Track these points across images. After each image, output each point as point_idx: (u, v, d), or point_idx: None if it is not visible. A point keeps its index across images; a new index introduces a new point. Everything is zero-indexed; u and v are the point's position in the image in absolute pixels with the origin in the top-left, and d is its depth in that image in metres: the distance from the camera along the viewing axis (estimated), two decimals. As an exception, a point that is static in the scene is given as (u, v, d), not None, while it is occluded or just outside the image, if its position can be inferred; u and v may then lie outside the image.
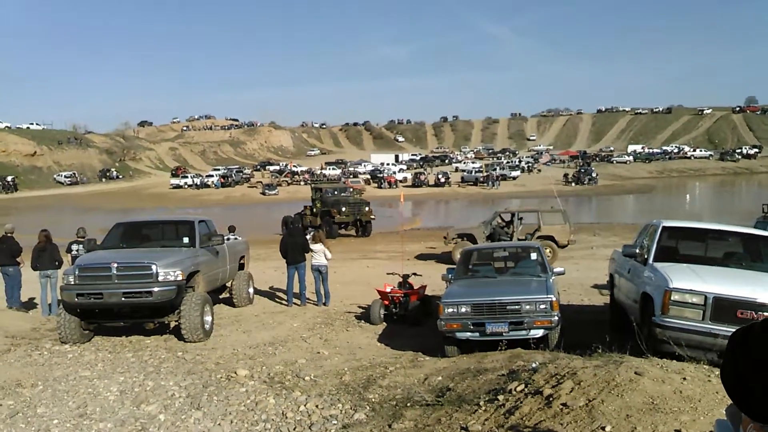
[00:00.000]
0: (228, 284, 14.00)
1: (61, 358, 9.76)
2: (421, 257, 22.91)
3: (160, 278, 10.24)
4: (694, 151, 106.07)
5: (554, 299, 8.80)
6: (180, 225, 12.72)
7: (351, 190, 35.27)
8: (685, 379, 5.29)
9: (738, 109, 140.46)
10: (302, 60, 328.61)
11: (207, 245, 12.14)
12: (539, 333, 8.70)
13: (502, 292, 9.12)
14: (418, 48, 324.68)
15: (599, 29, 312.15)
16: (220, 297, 14.19)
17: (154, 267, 10.25)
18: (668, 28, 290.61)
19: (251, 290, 14.51)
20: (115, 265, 10.25)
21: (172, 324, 11.08)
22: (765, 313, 6.62)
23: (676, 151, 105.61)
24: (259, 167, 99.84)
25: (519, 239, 19.96)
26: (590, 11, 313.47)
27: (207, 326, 11.00)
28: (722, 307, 6.74)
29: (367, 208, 31.63)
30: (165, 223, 13.59)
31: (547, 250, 18.87)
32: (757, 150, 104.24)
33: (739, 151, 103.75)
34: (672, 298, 6.93)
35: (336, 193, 32.66)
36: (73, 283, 10.29)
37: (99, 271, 10.37)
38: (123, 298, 10.15)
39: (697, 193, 69.37)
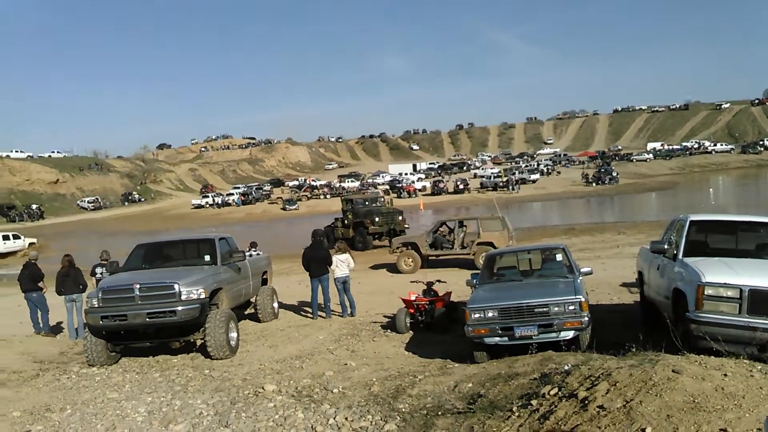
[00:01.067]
0: (252, 300, 13.95)
1: (89, 381, 9.76)
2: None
3: (183, 297, 10.21)
4: (715, 145, 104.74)
5: (583, 299, 8.60)
6: (201, 243, 12.70)
7: (383, 199, 34.48)
8: (726, 375, 5.09)
9: (757, 101, 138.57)
10: (316, 77, 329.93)
11: (229, 262, 12.12)
12: (570, 334, 8.50)
13: (529, 295, 8.94)
14: (430, 59, 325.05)
15: (609, 30, 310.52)
16: (245, 313, 14.15)
17: (176, 286, 10.22)
18: (680, 23, 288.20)
19: (276, 305, 14.46)
20: (138, 286, 10.24)
21: (198, 342, 11.03)
22: None
23: (696, 146, 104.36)
24: (269, 184, 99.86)
25: (461, 246, 21.16)
26: (597, 14, 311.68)
27: (233, 343, 10.94)
28: (760, 300, 6.52)
29: (400, 218, 31.14)
30: (186, 242, 13.58)
31: None
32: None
33: (761, 143, 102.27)
34: (706, 293, 6.72)
35: (368, 203, 32.06)
36: (96, 305, 10.30)
37: (122, 293, 10.36)
38: (147, 319, 10.13)
39: (721, 187, 68.35)
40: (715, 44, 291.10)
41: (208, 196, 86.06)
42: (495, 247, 20.21)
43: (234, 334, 11.10)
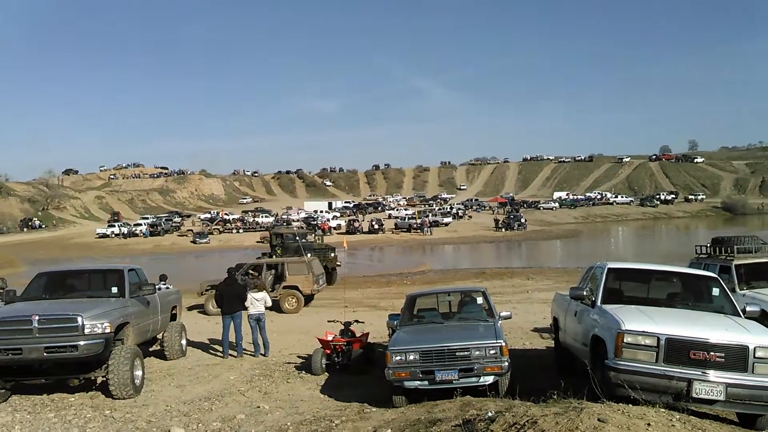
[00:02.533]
0: (159, 336, 13.27)
1: (-27, 422, 8.90)
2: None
3: (87, 331, 9.54)
4: (616, 197, 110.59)
5: (503, 344, 8.62)
6: (108, 274, 12.02)
7: (313, 235, 33.51)
8: (649, 425, 5.14)
9: (654, 157, 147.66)
10: (234, 111, 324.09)
11: (137, 295, 11.49)
12: (490, 379, 8.47)
13: (451, 338, 8.88)
14: (350, 100, 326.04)
15: (523, 83, 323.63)
16: (151, 350, 13.42)
17: (79, 319, 9.55)
18: (586, 81, 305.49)
19: (184, 342, 13.81)
20: (37, 317, 9.49)
21: (99, 380, 10.32)
22: (717, 354, 6.62)
23: (599, 197, 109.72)
24: (179, 216, 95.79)
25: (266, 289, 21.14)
26: (513, 68, 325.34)
27: (137, 381, 10.29)
28: (675, 349, 6.70)
29: (332, 254, 30.31)
30: (92, 272, 12.82)
31: (293, 299, 20.68)
32: (673, 196, 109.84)
33: (657, 196, 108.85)
34: (625, 341, 6.85)
35: (298, 238, 30.88)
36: (-12, 338, 9.45)
37: (18, 325, 9.57)
38: (45, 354, 9.38)
39: (621, 237, 71.82)
40: (618, 102, 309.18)
41: (114, 226, 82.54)
42: (300, 291, 21.14)
43: (139, 372, 10.46)
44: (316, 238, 32.86)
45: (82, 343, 9.44)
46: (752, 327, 7.22)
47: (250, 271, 21.98)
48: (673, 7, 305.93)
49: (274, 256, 29.67)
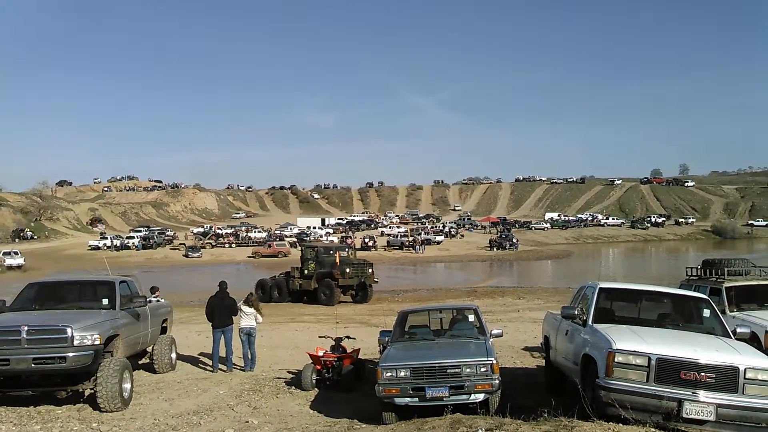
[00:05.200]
0: (149, 349, 13.17)
1: (-43, 433, 8.80)
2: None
3: (76, 342, 9.46)
4: (607, 219, 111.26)
5: (495, 362, 8.61)
6: (99, 285, 11.93)
7: (348, 249, 31.95)
8: (639, 443, 5.15)
9: (645, 180, 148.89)
10: (229, 124, 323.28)
11: (128, 307, 11.42)
12: (480, 397, 8.44)
13: (442, 355, 8.86)
14: (344, 116, 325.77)
15: (516, 104, 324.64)
16: (140, 362, 13.32)
17: (69, 330, 9.46)
18: (579, 103, 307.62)
19: (174, 355, 13.71)
20: (26, 328, 9.41)
21: (87, 392, 10.22)
22: (707, 374, 6.65)
23: (590, 218, 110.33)
24: (159, 231, 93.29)
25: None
26: (507, 87, 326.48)
27: (125, 394, 10.19)
28: (666, 369, 6.72)
29: (370, 270, 28.70)
30: (83, 283, 12.73)
31: None
32: (664, 218, 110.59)
33: (648, 219, 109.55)
34: (616, 360, 6.86)
35: (332, 252, 29.35)
36: (-25, 348, 9.36)
37: (6, 335, 9.47)
38: (33, 365, 9.29)
39: (612, 258, 72.09)
40: (610, 126, 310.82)
41: (106, 238, 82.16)
42: None
43: (127, 385, 10.35)
44: (350, 252, 31.15)
45: (70, 354, 9.35)
46: (742, 348, 7.26)
47: None
48: (665, 30, 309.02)
49: (305, 271, 28.23)
